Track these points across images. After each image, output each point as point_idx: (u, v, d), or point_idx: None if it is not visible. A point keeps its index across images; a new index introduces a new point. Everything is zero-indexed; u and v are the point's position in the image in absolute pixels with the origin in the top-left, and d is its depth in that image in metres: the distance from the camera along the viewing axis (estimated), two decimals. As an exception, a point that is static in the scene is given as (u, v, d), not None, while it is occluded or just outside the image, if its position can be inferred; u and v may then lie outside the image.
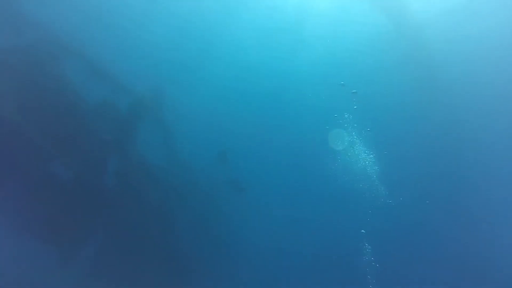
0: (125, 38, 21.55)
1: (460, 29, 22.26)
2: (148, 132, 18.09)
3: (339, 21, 23.72)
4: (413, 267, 21.56)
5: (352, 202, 21.52)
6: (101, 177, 14.72)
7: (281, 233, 22.59)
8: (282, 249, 22.14)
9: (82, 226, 14.35)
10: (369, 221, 20.11)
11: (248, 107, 23.74)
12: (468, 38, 22.34)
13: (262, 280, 19.99)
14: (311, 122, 24.24)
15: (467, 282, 20.85)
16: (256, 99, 24.16)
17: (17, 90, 12.39)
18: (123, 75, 17.14)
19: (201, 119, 21.35)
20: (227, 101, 23.23)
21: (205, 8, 23.27)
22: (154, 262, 15.29)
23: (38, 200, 12.54)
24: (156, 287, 14.75)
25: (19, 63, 13.49)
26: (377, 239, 19.36)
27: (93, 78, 16.18)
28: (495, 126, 23.34)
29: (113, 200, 15.07)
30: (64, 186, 13.19)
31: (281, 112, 24.70)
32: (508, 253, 21.69)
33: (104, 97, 16.02)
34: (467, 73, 23.11)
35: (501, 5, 20.61)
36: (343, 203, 22.98)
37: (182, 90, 21.32)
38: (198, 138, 20.45)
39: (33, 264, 13.00)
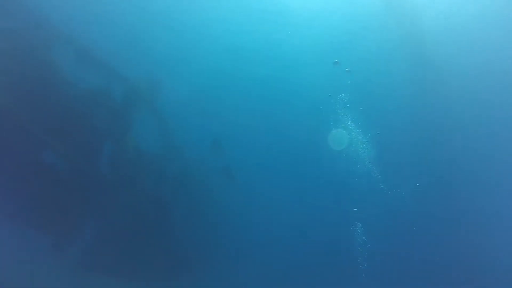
0: (119, 26, 21.16)
1: (457, 10, 22.05)
2: (142, 120, 17.92)
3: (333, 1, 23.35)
4: (404, 250, 21.95)
5: (345, 184, 21.61)
6: (95, 166, 14.57)
7: (275, 218, 22.81)
8: (276, 234, 22.38)
9: (76, 215, 14.26)
10: (362, 204, 20.18)
11: (243, 94, 23.57)
12: (465, 17, 22.12)
13: (257, 265, 20.17)
14: (305, 104, 24.06)
15: (459, 264, 21.25)
16: (251, 85, 23.92)
17: (8, 77, 12.09)
18: (117, 63, 16.85)
19: (195, 108, 21.20)
20: (221, 88, 23.03)
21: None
22: (149, 251, 15.30)
23: (31, 190, 12.39)
24: (152, 276, 14.80)
25: (9, 49, 13.14)
26: (369, 220, 19.47)
27: (86, 65, 15.88)
28: (491, 105, 23.38)
29: (108, 189, 14.96)
30: (57, 175, 13.03)
31: (275, 98, 24.51)
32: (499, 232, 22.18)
33: (98, 85, 15.76)
34: (463, 52, 22.96)
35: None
36: (335, 186, 23.13)
37: (176, 79, 21.08)
38: (193, 127, 20.33)
39: (28, 253, 12.92)
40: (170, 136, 18.76)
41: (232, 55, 23.57)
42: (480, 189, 22.85)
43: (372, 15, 23.07)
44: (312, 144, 23.57)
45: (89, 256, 14.22)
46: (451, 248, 21.71)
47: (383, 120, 22.72)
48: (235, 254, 19.96)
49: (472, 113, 23.33)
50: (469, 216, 22.44)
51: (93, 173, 14.47)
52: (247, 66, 23.80)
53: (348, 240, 19.79)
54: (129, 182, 15.65)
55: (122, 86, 16.59)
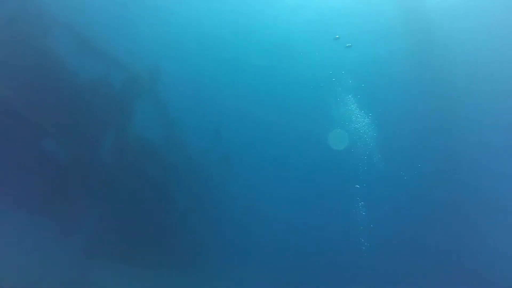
0: (119, 15, 21.01)
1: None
2: (143, 109, 17.89)
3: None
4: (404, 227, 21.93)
5: (346, 163, 21.43)
6: (96, 154, 14.61)
7: (276, 206, 22.89)
8: (278, 222, 22.47)
9: (79, 203, 14.37)
10: (363, 183, 20.04)
11: (244, 79, 23.37)
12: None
13: (259, 253, 20.33)
14: (307, 82, 23.68)
15: (459, 241, 21.25)
16: (252, 69, 23.60)
17: (6, 65, 12.07)
18: (117, 51, 16.76)
19: (197, 97, 21.13)
20: (222, 75, 22.88)
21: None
22: (151, 237, 15.43)
23: (32, 178, 12.47)
24: (154, 262, 14.92)
25: (9, 38, 13.10)
26: (370, 198, 19.36)
27: (86, 54, 15.80)
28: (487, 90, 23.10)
29: (110, 177, 15.02)
30: (58, 163, 13.09)
31: (276, 79, 24.15)
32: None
33: (98, 74, 15.70)
34: (462, 35, 22.42)
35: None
36: (336, 164, 23.00)
37: (177, 68, 20.96)
38: (194, 115, 20.29)
39: (32, 241, 13.09)
40: (172, 126, 18.71)
41: (233, 43, 23.32)
42: (480, 171, 22.75)
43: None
44: (316, 120, 23.34)
45: (93, 243, 14.37)
46: (452, 232, 21.68)
47: (387, 100, 22.45)
48: (237, 242, 20.11)
49: (473, 91, 22.99)
50: (469, 201, 22.36)
51: (95, 162, 14.51)
52: (248, 53, 23.54)
53: (350, 219, 19.72)
54: (131, 170, 15.68)
55: (123, 75, 16.50)
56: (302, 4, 20.73)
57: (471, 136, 23.01)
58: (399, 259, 20.38)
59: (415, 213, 22.67)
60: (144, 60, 18.42)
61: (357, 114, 19.67)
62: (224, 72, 22.91)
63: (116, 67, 16.25)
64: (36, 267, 12.56)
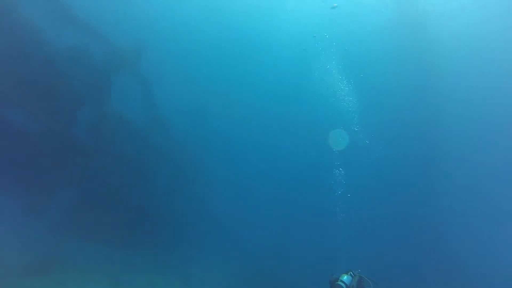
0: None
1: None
2: (125, 85, 17.16)
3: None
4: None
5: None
6: (71, 128, 13.93)
7: (261, 184, 22.71)
8: (263, 200, 22.36)
9: (51, 179, 13.75)
10: (345, 157, 19.82)
11: (230, 56, 22.60)
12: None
13: (238, 227, 20.19)
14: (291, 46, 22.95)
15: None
16: (237, 49, 22.79)
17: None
18: (100, 22, 15.86)
19: (182, 75, 20.34)
20: (208, 53, 22.01)
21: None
22: (128, 215, 15.00)
23: (1, 152, 11.76)
24: (130, 241, 14.51)
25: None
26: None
27: (64, 20, 14.89)
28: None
29: (85, 153, 14.41)
30: (29, 137, 12.39)
31: (261, 52, 23.38)
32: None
33: (77, 44, 14.83)
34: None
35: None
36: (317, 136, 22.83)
37: (163, 43, 20.05)
38: (178, 94, 19.58)
39: (5, 218, 12.50)
40: (155, 103, 18.05)
41: (220, 17, 22.30)
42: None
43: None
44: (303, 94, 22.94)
45: (67, 219, 13.84)
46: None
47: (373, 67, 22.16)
48: (219, 224, 19.90)
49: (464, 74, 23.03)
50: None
51: (69, 137, 13.85)
52: (233, 31, 22.64)
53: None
54: (109, 149, 15.10)
55: (104, 47, 15.68)
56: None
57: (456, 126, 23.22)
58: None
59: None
60: (129, 35, 17.55)
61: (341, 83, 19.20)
62: (212, 50, 22.11)
63: (97, 39, 15.42)
64: (4, 245, 12.01)
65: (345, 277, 6.27)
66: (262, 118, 24.40)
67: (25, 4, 13.28)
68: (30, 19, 13.24)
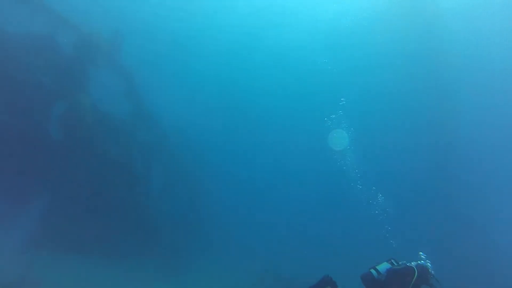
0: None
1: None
2: (104, 76, 15.57)
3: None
4: None
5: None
6: (41, 126, 12.35)
7: (252, 179, 21.77)
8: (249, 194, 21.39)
9: (22, 185, 12.18)
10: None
11: (218, 44, 21.01)
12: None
13: (231, 227, 19.05)
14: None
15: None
16: (224, 40, 21.35)
17: None
18: (66, 7, 14.22)
19: (168, 65, 18.69)
20: (194, 42, 20.33)
21: None
22: (112, 222, 13.40)
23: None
24: (111, 246, 12.88)
25: None
26: None
27: (28, 9, 13.29)
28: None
29: (59, 155, 12.80)
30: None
31: (248, 41, 22.13)
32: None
33: (43, 33, 13.24)
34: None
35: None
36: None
37: (145, 33, 18.36)
38: (165, 86, 17.95)
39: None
40: (137, 97, 16.43)
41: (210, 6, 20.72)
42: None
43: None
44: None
45: (42, 226, 12.24)
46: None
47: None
48: (209, 223, 18.50)
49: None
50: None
51: (39, 137, 12.27)
52: (221, 18, 21.09)
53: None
54: (86, 147, 13.46)
55: (74, 36, 14.04)
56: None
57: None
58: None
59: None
60: (102, 22, 15.88)
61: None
62: (199, 39, 20.39)
63: (64, 26, 13.78)
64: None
65: (381, 266, 5.31)
66: (258, 111, 23.14)
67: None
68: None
